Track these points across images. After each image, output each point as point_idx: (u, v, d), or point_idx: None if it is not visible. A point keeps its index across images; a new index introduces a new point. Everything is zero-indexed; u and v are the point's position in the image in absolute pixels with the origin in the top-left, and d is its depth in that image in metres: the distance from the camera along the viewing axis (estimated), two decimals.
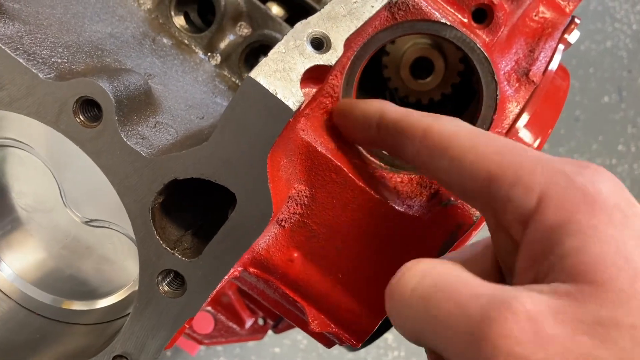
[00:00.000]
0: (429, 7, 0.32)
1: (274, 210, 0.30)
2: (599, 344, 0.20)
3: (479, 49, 0.33)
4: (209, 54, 0.44)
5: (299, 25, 0.29)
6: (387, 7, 0.32)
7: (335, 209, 0.32)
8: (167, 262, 0.31)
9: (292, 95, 0.28)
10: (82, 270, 0.40)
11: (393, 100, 0.48)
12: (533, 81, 0.38)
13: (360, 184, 0.32)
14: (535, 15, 0.42)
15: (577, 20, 0.44)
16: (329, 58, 0.29)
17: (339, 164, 0.32)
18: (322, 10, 0.30)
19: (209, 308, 0.65)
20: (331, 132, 0.32)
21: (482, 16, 0.35)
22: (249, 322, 0.67)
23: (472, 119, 0.36)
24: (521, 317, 0.20)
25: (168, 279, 0.32)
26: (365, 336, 0.34)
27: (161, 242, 0.31)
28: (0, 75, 0.30)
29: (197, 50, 0.43)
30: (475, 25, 0.34)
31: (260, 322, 0.68)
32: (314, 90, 0.30)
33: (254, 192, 0.29)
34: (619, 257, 0.21)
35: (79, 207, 0.38)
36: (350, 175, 0.32)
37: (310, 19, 0.30)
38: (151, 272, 0.32)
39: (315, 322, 0.34)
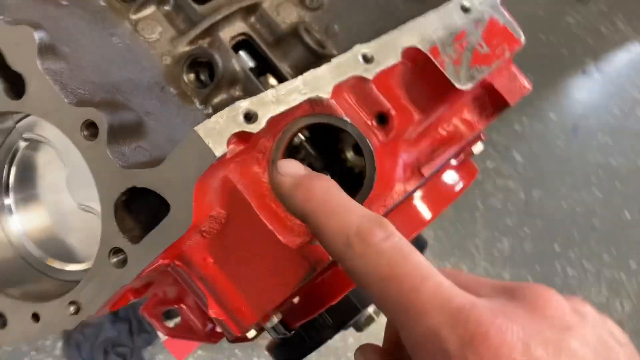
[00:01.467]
0: (337, 106, 0.45)
1: (194, 222, 0.43)
2: None
3: (368, 145, 0.45)
4: (204, 105, 0.58)
5: (238, 102, 0.43)
6: (309, 101, 0.45)
7: (242, 233, 0.45)
8: (118, 242, 0.45)
9: (220, 146, 0.42)
10: (72, 241, 0.54)
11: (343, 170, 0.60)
12: (422, 175, 0.50)
13: (262, 220, 0.45)
14: (448, 126, 0.54)
15: (482, 137, 0.56)
16: (253, 128, 0.43)
17: (250, 202, 0.45)
18: (259, 95, 0.44)
19: (176, 306, 0.78)
20: (252, 178, 0.46)
21: (383, 120, 0.48)
22: (209, 326, 0.79)
23: None
24: None
25: (117, 255, 0.45)
26: (244, 328, 0.46)
27: (118, 228, 0.45)
28: (41, 94, 0.45)
29: (194, 101, 0.58)
30: (375, 126, 0.47)
31: (219, 329, 0.80)
32: (241, 147, 0.44)
33: (182, 206, 0.42)
34: None
35: (78, 194, 0.52)
36: (257, 212, 0.45)
37: (249, 99, 0.43)
38: (106, 247, 0.45)
39: (212, 310, 0.46)
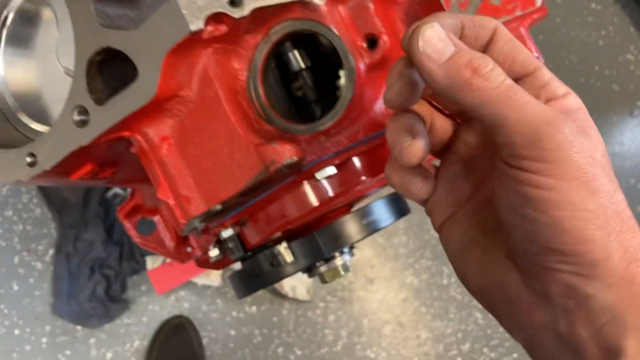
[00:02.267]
0: (328, 16, 0.44)
1: (160, 96, 0.43)
2: None
3: (350, 60, 0.44)
4: None
5: None
6: (301, 3, 0.44)
7: (206, 121, 0.45)
8: (84, 101, 0.45)
9: (197, 22, 0.41)
10: (48, 104, 0.54)
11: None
12: None
13: (227, 112, 0.44)
14: None
15: None
16: (235, 12, 0.42)
17: (219, 90, 0.44)
18: None
19: (153, 217, 0.78)
20: (229, 72, 0.45)
21: (373, 44, 0.46)
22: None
23: None
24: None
25: (80, 114, 0.45)
26: (189, 215, 0.45)
27: (87, 87, 0.45)
28: None
29: None
30: (364, 48, 0.46)
31: (189, 249, 0.80)
32: (221, 32, 0.43)
33: (150, 73, 0.42)
34: None
35: (66, 58, 0.52)
36: (224, 103, 0.44)
37: None
38: (72, 104, 0.45)
39: (161, 192, 0.46)
